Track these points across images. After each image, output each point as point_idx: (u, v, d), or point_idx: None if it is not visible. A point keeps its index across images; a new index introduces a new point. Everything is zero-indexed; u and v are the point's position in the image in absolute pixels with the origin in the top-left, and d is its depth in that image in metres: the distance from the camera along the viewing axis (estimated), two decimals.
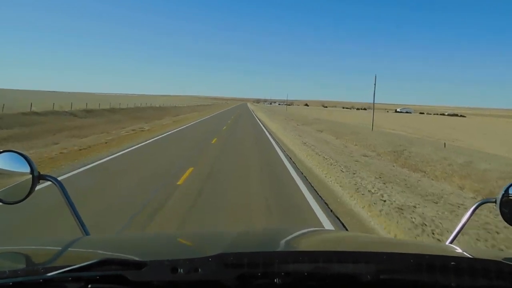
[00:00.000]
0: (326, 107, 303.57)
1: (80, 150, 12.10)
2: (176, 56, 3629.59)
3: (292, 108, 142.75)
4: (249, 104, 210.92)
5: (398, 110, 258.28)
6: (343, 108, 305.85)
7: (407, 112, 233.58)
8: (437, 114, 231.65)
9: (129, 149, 13.22)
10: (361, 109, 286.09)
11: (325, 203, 6.82)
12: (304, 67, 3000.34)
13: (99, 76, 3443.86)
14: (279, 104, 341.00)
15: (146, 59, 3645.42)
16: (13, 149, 1.39)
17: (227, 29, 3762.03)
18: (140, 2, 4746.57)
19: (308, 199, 7.01)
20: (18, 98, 47.14)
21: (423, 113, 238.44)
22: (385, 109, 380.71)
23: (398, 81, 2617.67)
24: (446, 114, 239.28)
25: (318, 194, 7.51)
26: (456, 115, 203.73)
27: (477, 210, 1.39)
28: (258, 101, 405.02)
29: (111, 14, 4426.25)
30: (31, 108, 25.45)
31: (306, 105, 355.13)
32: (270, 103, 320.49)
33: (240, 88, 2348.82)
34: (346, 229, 5.44)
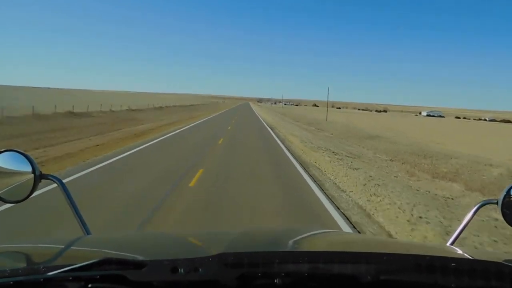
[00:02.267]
0: (339, 108, 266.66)
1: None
2: (175, 55, 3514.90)
3: (316, 111, 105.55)
4: (251, 104, 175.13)
5: (425, 113, 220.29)
6: (359, 110, 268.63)
7: (439, 116, 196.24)
8: (475, 119, 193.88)
9: None
10: (381, 111, 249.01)
11: None
12: (309, 67, 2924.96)
13: (99, 74, 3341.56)
14: (285, 104, 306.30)
15: (144, 57, 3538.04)
16: (15, 149, 1.38)
17: (230, 29, 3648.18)
18: (139, 2, 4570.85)
19: None
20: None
21: (459, 118, 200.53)
22: (401, 110, 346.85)
23: (407, 82, 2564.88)
24: (485, 119, 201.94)
25: None
26: (510, 121, 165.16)
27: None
28: (260, 100, 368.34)
29: (111, 14, 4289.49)
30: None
31: (315, 105, 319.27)
32: (275, 103, 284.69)
33: (241, 86, 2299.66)
34: None
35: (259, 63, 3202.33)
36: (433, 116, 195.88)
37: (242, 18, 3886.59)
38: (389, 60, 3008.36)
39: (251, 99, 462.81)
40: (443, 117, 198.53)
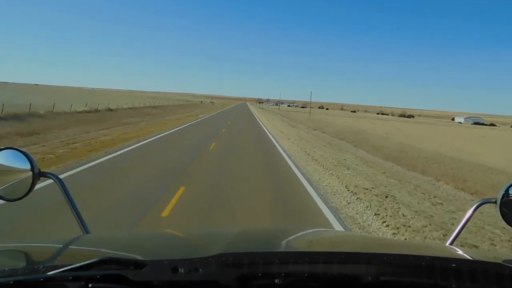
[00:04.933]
0: (354, 111, 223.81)
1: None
2: (174, 54, 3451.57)
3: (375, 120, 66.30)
4: (250, 106, 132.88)
5: (464, 120, 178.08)
6: (378, 114, 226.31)
7: (483, 124, 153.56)
8: None
9: None
10: (405, 116, 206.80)
11: None
12: (314, 67, 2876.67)
13: (101, 72, 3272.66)
14: (288, 106, 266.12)
15: (140, 56, 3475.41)
16: (14, 147, 1.38)
17: (230, 29, 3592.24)
18: (137, 2, 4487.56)
19: None
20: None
21: None
22: (419, 114, 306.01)
23: (409, 85, 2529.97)
24: None
25: None
26: None
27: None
28: (260, 101, 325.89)
29: (111, 13, 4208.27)
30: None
31: (322, 107, 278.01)
32: (276, 104, 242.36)
33: (239, 87, 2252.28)
34: None
35: (258, 64, 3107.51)
36: (483, 124, 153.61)
37: (242, 18, 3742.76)
38: (392, 62, 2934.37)
39: (249, 100, 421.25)
40: (495, 125, 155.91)
